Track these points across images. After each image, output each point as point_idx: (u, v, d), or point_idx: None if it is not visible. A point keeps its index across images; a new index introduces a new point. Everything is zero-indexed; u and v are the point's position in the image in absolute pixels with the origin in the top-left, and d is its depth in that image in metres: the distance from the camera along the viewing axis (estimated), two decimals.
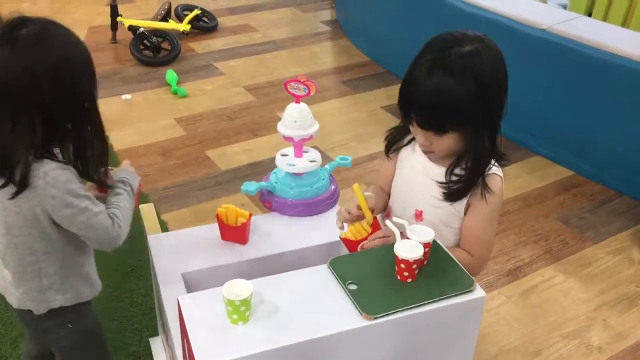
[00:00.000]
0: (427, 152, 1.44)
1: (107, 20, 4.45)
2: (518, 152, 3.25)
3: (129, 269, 2.43)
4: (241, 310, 1.08)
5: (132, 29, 4.23)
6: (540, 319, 2.29)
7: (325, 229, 1.71)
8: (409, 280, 1.19)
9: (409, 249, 1.17)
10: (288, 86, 1.72)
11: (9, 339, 2.12)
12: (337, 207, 1.81)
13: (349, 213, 1.44)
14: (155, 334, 2.15)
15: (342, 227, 1.48)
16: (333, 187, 1.84)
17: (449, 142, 1.36)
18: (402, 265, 1.17)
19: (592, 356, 2.15)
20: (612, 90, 2.93)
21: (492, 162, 1.41)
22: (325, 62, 4.37)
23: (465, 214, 1.43)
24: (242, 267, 1.60)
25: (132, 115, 3.55)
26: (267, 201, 1.81)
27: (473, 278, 1.21)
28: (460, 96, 1.27)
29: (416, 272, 1.19)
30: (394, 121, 3.30)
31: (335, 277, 1.21)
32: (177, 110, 3.64)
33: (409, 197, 1.51)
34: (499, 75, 1.32)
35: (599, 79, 2.96)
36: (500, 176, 1.42)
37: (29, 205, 1.29)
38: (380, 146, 3.31)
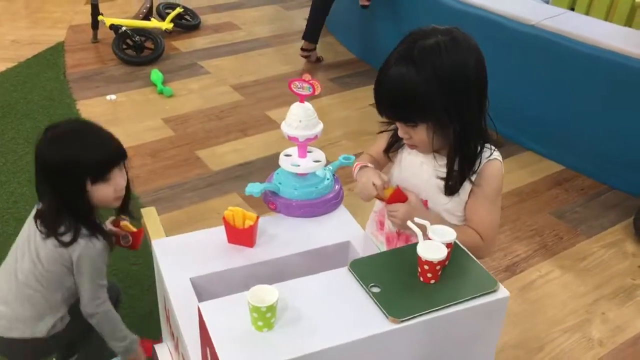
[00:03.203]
0: (411, 147, 1.46)
1: (88, 19, 4.37)
2: (509, 147, 3.26)
3: (122, 275, 2.39)
4: (267, 317, 1.05)
5: (114, 27, 4.16)
6: (540, 314, 2.30)
7: (333, 230, 1.69)
8: (432, 281, 1.17)
9: (432, 250, 1.15)
10: (292, 85, 1.69)
11: None
12: (342, 208, 1.79)
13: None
14: (153, 339, 2.11)
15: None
16: (337, 187, 1.82)
17: (422, 134, 1.38)
18: (426, 267, 1.16)
19: (594, 350, 2.16)
20: (600, 85, 2.96)
21: (492, 148, 1.43)
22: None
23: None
24: (251, 271, 1.57)
25: (118, 116, 3.48)
26: (272, 202, 1.78)
27: (496, 279, 1.20)
28: (419, 87, 1.30)
29: (439, 273, 1.17)
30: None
31: (357, 280, 1.19)
32: (164, 111, 3.58)
33: (413, 187, 1.52)
34: (462, 68, 1.32)
35: (587, 74, 2.98)
36: (500, 160, 1.44)
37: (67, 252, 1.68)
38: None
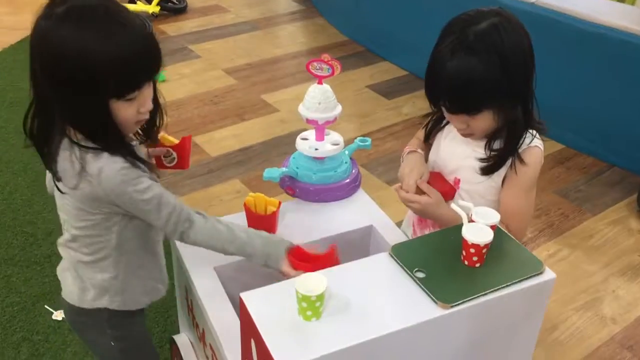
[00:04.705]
0: (467, 135, 1.41)
1: None
2: None
3: None
4: (316, 306, 1.02)
5: None
6: (552, 293, 2.30)
7: (354, 214, 1.65)
8: (478, 264, 1.14)
9: (478, 233, 1.12)
10: (310, 67, 1.65)
11: (11, 343, 2.01)
12: (361, 191, 1.75)
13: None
14: (165, 330, 2.08)
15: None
16: (355, 170, 1.79)
17: (485, 120, 1.34)
18: (472, 250, 1.13)
19: (607, 328, 2.17)
20: (599, 62, 2.95)
21: (534, 134, 1.39)
22: (303, 42, 4.28)
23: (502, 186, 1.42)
24: None
25: None
26: (290, 187, 1.74)
27: (541, 260, 1.18)
28: (486, 74, 1.26)
29: (485, 256, 1.14)
30: (381, 100, 3.26)
31: (400, 265, 1.15)
32: None
33: (449, 165, 1.49)
34: (521, 46, 1.31)
35: (586, 51, 2.98)
36: (541, 148, 1.41)
37: None
38: (372, 126, 3.27)
